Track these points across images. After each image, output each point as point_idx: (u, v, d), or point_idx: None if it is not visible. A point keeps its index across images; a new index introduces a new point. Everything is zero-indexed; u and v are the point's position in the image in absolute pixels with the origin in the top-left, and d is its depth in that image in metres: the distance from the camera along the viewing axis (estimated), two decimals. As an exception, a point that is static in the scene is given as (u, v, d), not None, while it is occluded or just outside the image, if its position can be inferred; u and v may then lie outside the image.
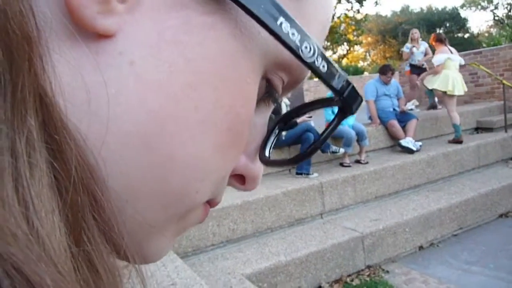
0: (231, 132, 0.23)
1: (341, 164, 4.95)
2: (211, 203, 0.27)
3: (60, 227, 0.16)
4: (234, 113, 0.22)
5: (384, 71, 5.72)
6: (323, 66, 0.23)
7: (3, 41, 0.15)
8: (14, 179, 0.15)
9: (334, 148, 4.80)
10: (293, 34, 0.21)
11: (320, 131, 4.89)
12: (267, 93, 0.25)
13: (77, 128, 0.18)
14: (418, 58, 7.29)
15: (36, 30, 0.17)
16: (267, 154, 0.29)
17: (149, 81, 0.20)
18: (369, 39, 32.34)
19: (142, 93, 0.20)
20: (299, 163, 0.27)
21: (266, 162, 0.29)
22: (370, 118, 5.72)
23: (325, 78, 0.24)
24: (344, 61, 29.00)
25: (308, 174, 4.50)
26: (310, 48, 0.22)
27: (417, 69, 7.34)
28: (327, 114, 5.10)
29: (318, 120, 5.25)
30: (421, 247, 4.16)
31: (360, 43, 29.82)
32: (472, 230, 4.52)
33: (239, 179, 0.28)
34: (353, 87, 0.25)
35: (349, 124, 5.00)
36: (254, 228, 3.83)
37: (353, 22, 21.01)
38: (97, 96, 0.19)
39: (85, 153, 0.18)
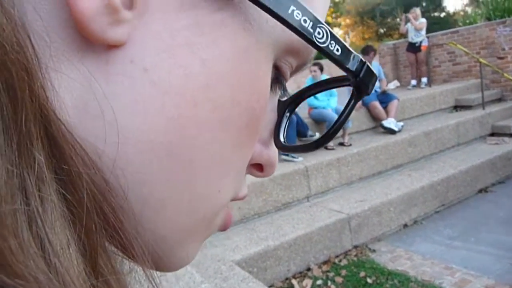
0: (249, 127, 0.23)
1: (325, 147, 4.99)
2: (235, 198, 0.27)
3: (77, 258, 0.16)
4: (250, 108, 0.22)
5: (367, 51, 5.75)
6: (337, 50, 0.23)
7: (1, 75, 0.15)
8: (28, 217, 0.15)
9: (310, 133, 4.87)
10: (305, 21, 0.21)
11: (301, 114, 4.92)
12: (275, 79, 0.25)
13: (93, 144, 0.18)
14: (412, 36, 7.66)
15: (35, 56, 0.16)
16: (282, 139, 0.29)
17: (165, 87, 0.19)
18: (348, 20, 32.35)
19: (159, 100, 0.19)
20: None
21: (283, 148, 0.29)
22: (352, 100, 5.76)
23: (340, 61, 0.23)
24: (324, 44, 28.91)
25: (294, 156, 4.52)
26: (323, 33, 0.22)
27: (413, 47, 7.73)
28: (309, 99, 5.10)
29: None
30: (405, 225, 4.26)
31: (339, 25, 29.83)
32: (453, 206, 4.65)
33: (257, 167, 0.28)
34: (368, 66, 0.25)
35: (332, 107, 5.02)
36: (242, 214, 3.84)
37: (332, 4, 20.95)
38: (112, 108, 0.18)
39: (100, 172, 0.18)
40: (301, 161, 4.48)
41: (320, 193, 4.43)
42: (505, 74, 7.00)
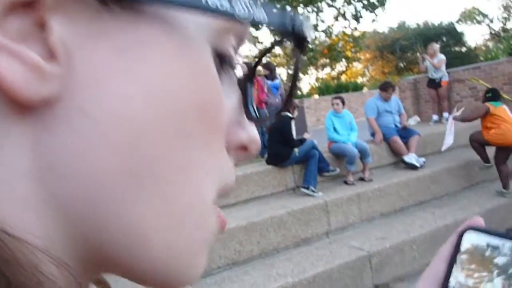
0: (208, 122, 0.22)
1: (345, 182, 4.94)
2: (224, 191, 0.25)
3: None
4: (202, 105, 0.22)
5: (385, 88, 5.76)
6: (264, 18, 0.22)
7: None
8: None
9: (331, 168, 4.84)
10: (221, 5, 0.20)
11: (322, 149, 4.92)
12: (222, 62, 0.24)
13: (61, 195, 0.19)
14: (432, 72, 7.65)
15: None
16: (252, 112, 0.28)
17: (107, 120, 0.19)
18: (367, 55, 32.67)
19: (105, 133, 0.19)
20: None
21: (256, 120, 0.28)
22: (373, 135, 5.74)
23: (270, 26, 0.23)
24: (343, 77, 29.24)
25: (314, 189, 4.48)
26: (243, 8, 0.21)
27: (433, 83, 7.71)
28: (330, 132, 5.12)
29: (319, 138, 5.27)
30: (429, 265, 4.11)
31: (359, 59, 30.14)
32: (479, 246, 4.47)
33: (241, 149, 0.27)
34: (297, 17, 0.24)
35: (352, 142, 5.01)
36: (260, 249, 3.80)
37: (351, 39, 21.25)
38: (61, 161, 0.19)
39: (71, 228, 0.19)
40: (321, 196, 4.44)
41: (340, 229, 4.35)
42: (530, 110, 6.87)
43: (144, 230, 0.20)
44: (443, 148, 5.48)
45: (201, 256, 0.24)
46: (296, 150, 4.63)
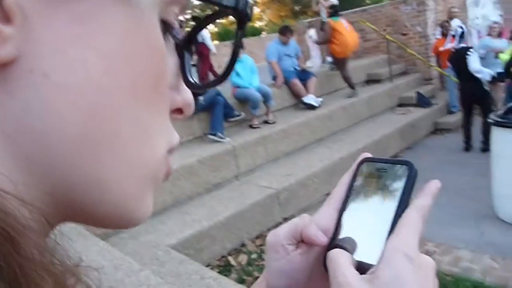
0: (158, 87, 0.24)
1: (251, 126, 5.11)
2: (171, 148, 0.28)
3: None
4: (153, 72, 0.24)
5: (284, 32, 5.91)
6: None
7: None
8: None
9: (236, 112, 4.95)
10: None
11: (226, 96, 4.96)
12: (165, 31, 0.26)
13: (25, 156, 0.20)
14: (323, 15, 7.79)
15: None
16: (190, 79, 0.29)
17: (69, 84, 0.20)
18: (264, -2, 32.60)
19: (67, 98, 0.20)
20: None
21: (195, 87, 0.29)
22: (274, 78, 5.93)
23: (217, 2, 0.25)
24: (242, 22, 28.88)
25: (222, 135, 4.56)
26: None
27: (324, 26, 7.88)
28: (233, 77, 5.16)
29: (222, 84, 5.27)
30: (328, 194, 4.54)
31: (256, 3, 29.91)
32: (369, 173, 5.08)
33: (177, 112, 0.29)
34: None
35: (254, 87, 5.13)
36: (173, 199, 3.84)
37: (247, -18, 20.85)
38: (25, 122, 0.20)
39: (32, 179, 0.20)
40: (229, 141, 4.55)
41: (249, 171, 4.56)
42: (408, 50, 7.66)
43: (104, 181, 0.23)
44: (312, 67, 6.78)
45: (149, 200, 0.27)
46: (201, 98, 4.60)
